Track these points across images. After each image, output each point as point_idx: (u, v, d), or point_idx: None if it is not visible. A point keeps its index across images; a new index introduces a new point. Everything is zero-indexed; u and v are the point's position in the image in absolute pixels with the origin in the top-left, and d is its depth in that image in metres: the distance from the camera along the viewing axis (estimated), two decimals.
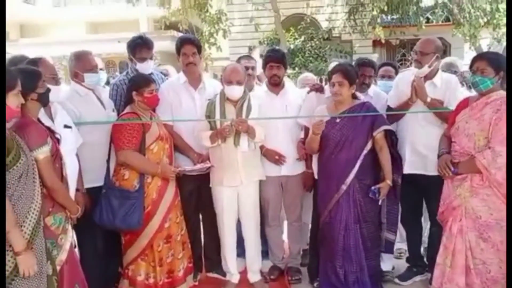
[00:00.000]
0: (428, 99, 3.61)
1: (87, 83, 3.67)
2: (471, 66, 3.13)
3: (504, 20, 12.90)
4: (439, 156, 3.27)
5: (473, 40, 13.98)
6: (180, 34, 16.85)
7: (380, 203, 3.69)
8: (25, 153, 2.49)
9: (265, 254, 4.30)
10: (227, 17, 15.07)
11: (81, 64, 3.69)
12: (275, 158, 3.95)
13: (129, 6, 14.81)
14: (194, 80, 4.01)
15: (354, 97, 3.77)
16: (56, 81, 3.33)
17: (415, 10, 14.21)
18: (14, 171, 2.39)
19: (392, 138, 3.71)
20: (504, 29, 13.25)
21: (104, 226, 3.50)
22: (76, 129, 3.42)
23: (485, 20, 13.30)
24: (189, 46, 3.95)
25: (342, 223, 3.67)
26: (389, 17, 15.72)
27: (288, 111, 4.01)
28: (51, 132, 2.89)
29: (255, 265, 4.02)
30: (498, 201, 2.94)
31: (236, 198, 3.85)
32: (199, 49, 4.02)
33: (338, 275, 3.71)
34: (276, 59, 4.05)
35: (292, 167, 4.02)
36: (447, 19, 15.67)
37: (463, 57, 14.58)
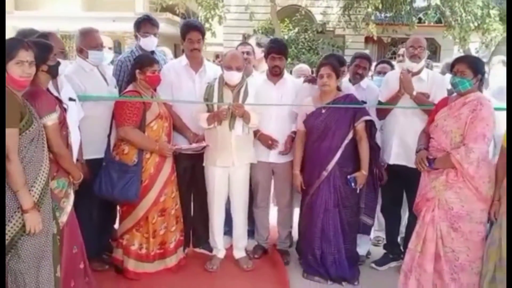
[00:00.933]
0: (414, 93, 3.86)
1: (91, 59, 3.83)
2: (451, 68, 3.37)
3: (494, 26, 13.22)
4: (417, 152, 3.49)
5: (463, 43, 14.31)
6: (175, 17, 16.93)
7: (358, 191, 3.91)
8: (36, 119, 2.67)
9: (251, 233, 4.54)
10: (224, 3, 15.18)
11: (87, 40, 3.84)
12: (268, 142, 4.15)
13: None
14: (196, 64, 4.19)
15: (338, 89, 4.00)
16: (64, 55, 3.50)
17: (408, 10, 14.49)
18: (26, 135, 2.57)
19: (371, 129, 3.92)
20: (493, 34, 13.58)
21: (102, 197, 3.69)
22: (79, 103, 3.58)
23: (476, 24, 13.61)
24: (196, 33, 4.11)
25: (321, 207, 3.89)
26: (382, 15, 15.97)
27: (283, 100, 4.19)
28: (59, 101, 3.07)
29: (241, 243, 4.24)
30: (469, 194, 3.18)
31: (227, 178, 4.06)
32: (203, 35, 4.19)
33: (316, 256, 3.97)
34: (278, 50, 4.18)
35: (281, 155, 4.22)
36: (439, 21, 15.97)
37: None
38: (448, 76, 3.73)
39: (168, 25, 15.58)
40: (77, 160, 3.42)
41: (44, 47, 2.96)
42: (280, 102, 4.18)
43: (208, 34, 14.84)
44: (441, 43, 17.77)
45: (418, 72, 4.00)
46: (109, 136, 3.84)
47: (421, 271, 3.33)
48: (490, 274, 3.12)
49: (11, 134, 2.47)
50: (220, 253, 4.20)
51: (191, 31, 4.12)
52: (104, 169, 3.70)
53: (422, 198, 3.43)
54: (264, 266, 4.25)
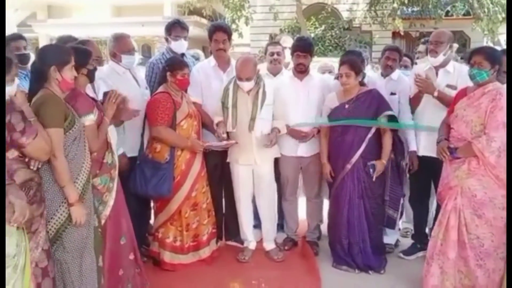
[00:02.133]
0: (436, 93, 3.94)
1: (124, 63, 4.03)
2: (469, 60, 3.44)
3: None
4: (438, 142, 3.58)
5: (492, 35, 14.11)
6: (203, 20, 17.21)
7: (374, 179, 3.97)
8: (78, 120, 2.88)
9: (280, 227, 4.68)
10: (250, 4, 15.35)
11: (120, 45, 4.04)
12: (301, 135, 4.27)
13: None
14: (223, 64, 4.37)
15: (361, 84, 4.11)
16: (99, 62, 3.72)
17: (435, 3, 14.33)
18: (69, 134, 2.78)
19: (393, 124, 4.01)
20: None
21: (137, 194, 3.89)
22: None
23: (504, 15, 13.41)
24: (221, 34, 4.28)
25: (346, 198, 4.02)
26: (409, 9, 15.86)
27: (310, 96, 4.31)
28: (97, 103, 3.28)
29: (270, 235, 4.39)
30: (491, 181, 3.25)
31: (251, 175, 4.21)
32: (230, 36, 4.35)
33: (343, 245, 4.10)
34: (303, 49, 4.29)
35: (308, 148, 4.35)
36: (467, 13, 15.76)
37: None
38: None
39: (196, 28, 15.86)
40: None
41: (84, 52, 3.17)
42: (307, 98, 4.30)
43: (235, 35, 15.03)
44: (470, 36, 17.50)
45: (444, 65, 4.07)
46: (142, 135, 4.04)
47: (444, 258, 3.42)
48: None
49: (56, 133, 2.68)
50: (251, 244, 4.36)
51: (217, 32, 4.29)
52: (138, 167, 3.90)
53: (444, 187, 3.51)
54: (294, 257, 4.40)
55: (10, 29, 14.75)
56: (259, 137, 4.08)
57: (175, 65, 3.99)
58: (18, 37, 4.26)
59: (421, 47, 5.46)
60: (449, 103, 3.76)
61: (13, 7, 16.37)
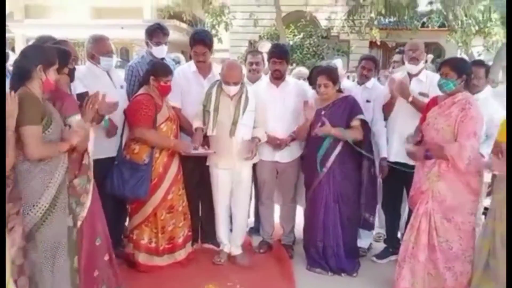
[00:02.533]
0: (410, 98, 4.06)
1: (102, 65, 4.04)
2: (438, 70, 3.58)
3: (496, 29, 13.39)
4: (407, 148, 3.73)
5: (465, 47, 14.49)
6: (183, 24, 17.23)
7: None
8: (55, 121, 2.87)
9: (256, 230, 4.73)
10: (230, 10, 15.45)
11: (99, 47, 4.04)
12: (276, 142, 4.33)
13: None
14: (204, 70, 4.39)
15: (339, 91, 4.21)
16: (75, 62, 3.72)
17: (411, 14, 14.66)
18: (46, 135, 2.79)
19: (365, 128, 4.10)
20: (494, 38, 13.75)
21: (114, 195, 3.89)
22: None
23: (477, 28, 13.78)
24: (201, 47, 4.27)
25: (322, 202, 4.10)
26: (386, 20, 16.18)
27: (286, 102, 4.37)
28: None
29: (238, 240, 4.41)
30: (461, 186, 3.39)
31: (230, 178, 4.23)
32: (211, 47, 4.35)
33: (318, 248, 4.19)
34: (279, 55, 4.36)
35: (285, 154, 4.41)
36: (443, 25, 16.16)
37: None
38: None
39: (176, 32, 15.87)
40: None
41: (64, 52, 3.19)
42: (283, 103, 4.36)
43: (214, 41, 15.10)
44: (445, 47, 17.92)
45: (417, 74, 4.22)
46: (121, 136, 4.06)
47: (415, 261, 3.53)
48: (483, 262, 3.31)
49: (32, 130, 2.69)
50: (226, 247, 4.40)
51: (197, 45, 4.28)
52: (116, 167, 3.91)
53: (416, 191, 3.62)
54: (270, 260, 4.45)
55: None
56: (239, 142, 4.10)
57: (159, 71, 3.99)
58: None
59: (397, 57, 5.60)
60: (421, 109, 3.88)
61: None
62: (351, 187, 4.10)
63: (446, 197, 3.42)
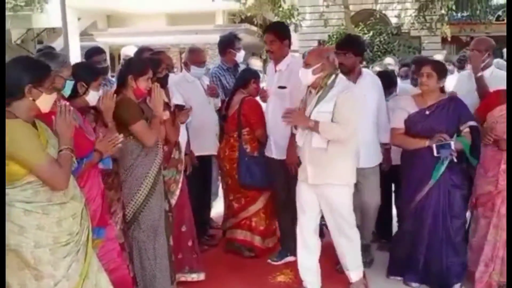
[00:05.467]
0: (480, 73, 3.93)
1: (193, 74, 4.55)
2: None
3: None
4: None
5: None
6: (253, 27, 17.74)
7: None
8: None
9: None
10: (299, 11, 15.76)
11: (192, 57, 4.57)
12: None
13: (208, 1, 15.60)
14: (276, 60, 4.24)
15: (442, 90, 3.78)
16: (169, 69, 4.23)
17: (484, 8, 14.29)
18: None
19: (475, 135, 3.68)
20: None
21: (245, 185, 4.38)
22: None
23: None
24: (267, 35, 4.20)
25: (429, 213, 3.70)
26: (459, 14, 15.85)
27: (368, 99, 3.89)
28: (168, 106, 3.76)
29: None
30: None
31: (315, 197, 3.59)
32: (280, 37, 4.13)
33: (418, 261, 3.80)
34: (340, 45, 3.97)
35: (369, 160, 3.97)
36: None
37: None
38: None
39: (247, 35, 16.41)
40: (186, 154, 4.08)
41: (155, 62, 3.71)
42: (364, 101, 3.80)
43: None
44: None
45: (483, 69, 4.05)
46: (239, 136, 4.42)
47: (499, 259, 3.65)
48: None
49: (141, 125, 3.22)
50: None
51: (265, 33, 4.25)
52: (243, 161, 4.35)
53: (484, 194, 3.73)
54: None
55: (74, 37, 15.76)
56: (315, 149, 3.46)
57: (252, 75, 4.54)
58: (99, 51, 4.94)
59: (469, 53, 5.69)
60: (481, 89, 3.90)
61: (76, 16, 17.41)
62: (460, 197, 3.73)
63: None
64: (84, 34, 19.26)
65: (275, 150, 4.18)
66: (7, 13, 16.84)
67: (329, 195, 3.52)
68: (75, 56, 12.44)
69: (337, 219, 3.57)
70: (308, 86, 3.54)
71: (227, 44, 4.96)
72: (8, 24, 19.27)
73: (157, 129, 3.31)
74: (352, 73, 3.90)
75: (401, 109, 3.83)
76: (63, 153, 2.35)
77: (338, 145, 3.41)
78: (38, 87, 2.31)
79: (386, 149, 4.15)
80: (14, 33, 21.74)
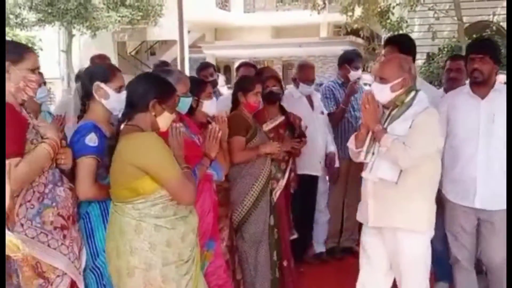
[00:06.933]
0: None
1: (300, 90, 4.46)
2: None
3: None
4: None
5: None
6: (359, 39, 17.49)
7: None
8: (260, 133, 3.46)
9: None
10: (408, 23, 15.27)
11: (300, 74, 4.49)
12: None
13: (313, 13, 15.54)
14: None
15: None
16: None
17: None
18: (251, 144, 3.37)
19: None
20: None
21: None
22: None
23: None
24: (388, 48, 3.69)
25: None
26: None
27: (495, 123, 3.05)
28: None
29: None
30: None
31: (381, 242, 2.87)
32: (401, 49, 3.38)
33: None
34: (477, 49, 3.15)
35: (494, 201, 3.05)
36: None
37: None
38: None
39: (350, 47, 16.22)
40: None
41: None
42: (491, 125, 3.04)
43: None
44: None
45: None
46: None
47: None
48: None
49: (236, 140, 3.26)
50: None
51: (385, 46, 3.93)
52: None
53: None
54: None
55: (184, 49, 16.50)
56: (378, 184, 2.78)
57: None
58: (207, 66, 5.11)
59: None
60: None
61: (187, 29, 18.27)
62: None
63: None
64: (192, 46, 20.15)
65: None
66: (125, 26, 18.06)
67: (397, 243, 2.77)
68: (185, 68, 13.01)
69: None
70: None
71: (345, 59, 4.80)
72: (125, 37, 20.69)
73: (250, 156, 3.33)
74: (487, 84, 3.11)
75: None
76: (185, 171, 2.35)
77: (415, 178, 2.70)
78: (162, 104, 2.34)
79: None
80: (130, 45, 23.30)
